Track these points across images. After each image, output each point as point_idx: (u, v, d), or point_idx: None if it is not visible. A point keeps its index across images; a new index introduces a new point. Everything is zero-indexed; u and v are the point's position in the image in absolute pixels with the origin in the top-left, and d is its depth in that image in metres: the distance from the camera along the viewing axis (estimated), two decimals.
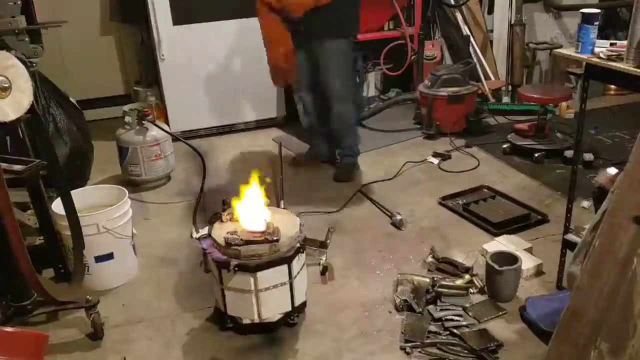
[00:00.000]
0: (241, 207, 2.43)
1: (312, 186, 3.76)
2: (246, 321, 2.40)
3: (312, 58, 3.63)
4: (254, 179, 2.46)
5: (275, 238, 2.29)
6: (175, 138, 3.87)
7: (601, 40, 2.30)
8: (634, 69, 2.07)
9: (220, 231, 2.39)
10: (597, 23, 2.27)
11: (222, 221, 2.47)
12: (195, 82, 4.56)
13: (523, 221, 3.07)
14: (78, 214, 2.58)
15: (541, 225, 3.13)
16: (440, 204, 3.45)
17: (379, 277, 2.80)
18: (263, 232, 2.32)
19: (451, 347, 2.30)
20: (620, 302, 1.68)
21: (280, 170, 3.11)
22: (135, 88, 5.08)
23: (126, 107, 3.84)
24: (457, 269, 2.75)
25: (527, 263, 2.72)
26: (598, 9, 2.33)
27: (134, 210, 2.93)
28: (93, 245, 2.68)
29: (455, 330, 2.37)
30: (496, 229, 3.09)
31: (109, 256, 2.75)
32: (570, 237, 2.52)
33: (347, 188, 3.68)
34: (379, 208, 3.42)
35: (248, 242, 2.30)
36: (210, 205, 3.48)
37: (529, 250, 2.88)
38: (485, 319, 2.45)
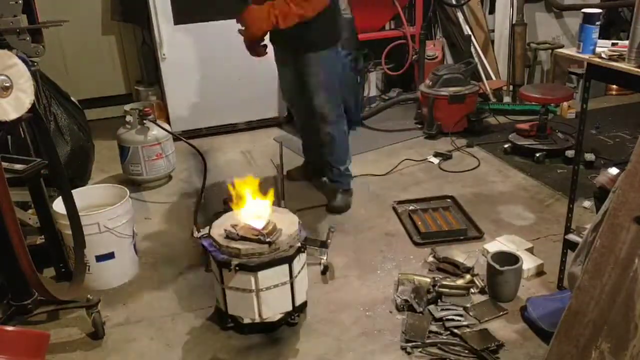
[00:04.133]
0: (246, 201, 2.44)
1: (313, 186, 3.76)
2: (247, 321, 2.40)
3: (296, 73, 3.34)
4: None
5: (268, 240, 2.29)
6: (176, 137, 3.88)
7: (603, 40, 2.30)
8: (636, 69, 2.07)
9: (224, 224, 2.40)
10: (598, 23, 2.26)
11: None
12: (196, 82, 4.57)
13: (456, 235, 3.06)
14: (79, 213, 2.58)
15: (475, 241, 3.03)
16: (392, 207, 3.42)
17: (379, 276, 2.80)
18: (260, 231, 2.32)
19: (452, 347, 2.30)
20: (621, 303, 1.68)
21: (281, 170, 3.11)
22: (136, 87, 5.09)
23: (127, 107, 3.84)
24: (457, 269, 2.75)
25: (528, 263, 2.72)
26: (600, 8, 2.33)
27: (135, 210, 2.93)
28: (94, 244, 2.68)
29: (456, 330, 2.37)
30: (422, 238, 3.06)
31: (110, 255, 2.75)
32: (571, 237, 2.51)
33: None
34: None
35: (244, 238, 2.31)
36: (211, 204, 3.48)
37: (530, 250, 2.88)
38: (486, 319, 2.45)
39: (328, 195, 3.51)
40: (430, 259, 2.85)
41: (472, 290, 2.61)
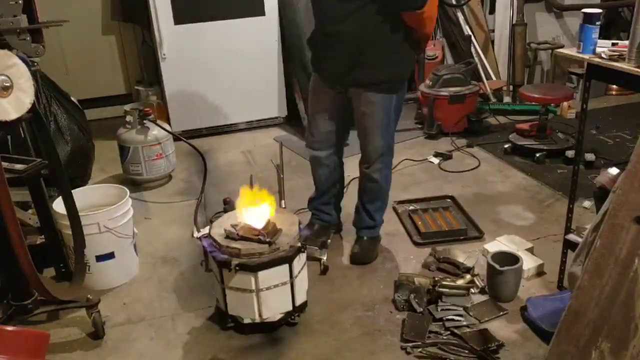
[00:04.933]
0: (246, 202, 2.44)
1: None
2: (247, 321, 2.40)
3: (343, 111, 2.75)
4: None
5: (268, 240, 2.29)
6: (176, 137, 3.88)
7: (603, 40, 2.30)
8: (636, 69, 2.07)
9: (224, 224, 2.40)
10: (598, 23, 2.26)
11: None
12: (196, 82, 4.57)
13: (456, 235, 3.06)
14: (79, 213, 2.58)
15: (475, 241, 3.03)
16: (392, 207, 3.40)
17: (379, 276, 2.80)
18: (260, 231, 2.32)
19: (452, 347, 2.29)
20: (622, 303, 1.68)
21: (281, 170, 3.11)
22: (136, 87, 5.09)
23: (127, 107, 3.84)
24: (458, 269, 2.75)
25: (528, 263, 2.72)
26: (600, 8, 2.33)
27: (135, 210, 2.93)
28: (94, 244, 2.67)
29: (456, 330, 2.36)
30: (422, 238, 3.06)
31: (110, 255, 2.74)
32: (572, 237, 2.51)
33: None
34: None
35: (244, 238, 2.31)
36: (211, 204, 3.49)
37: (530, 251, 2.88)
38: (486, 319, 2.45)
39: (356, 243, 2.97)
40: (431, 259, 2.85)
41: (472, 290, 2.61)
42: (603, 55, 2.22)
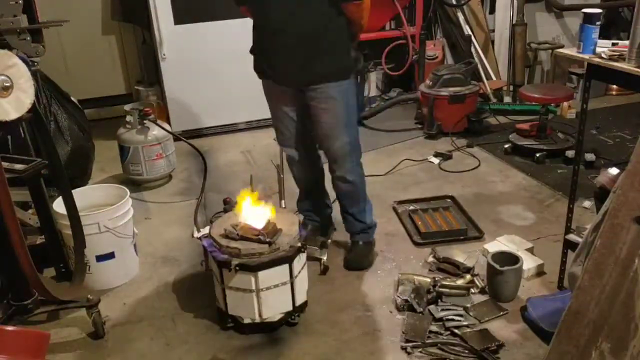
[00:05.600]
0: (246, 202, 2.45)
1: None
2: (247, 321, 2.40)
3: (305, 110, 2.70)
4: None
5: (268, 240, 2.29)
6: (176, 137, 3.88)
7: (603, 40, 2.29)
8: (636, 69, 2.07)
9: (224, 224, 2.40)
10: (598, 23, 2.26)
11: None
12: (196, 82, 4.57)
13: (456, 235, 3.06)
14: (79, 213, 2.58)
15: (475, 241, 3.03)
16: (392, 207, 3.41)
17: (379, 276, 2.80)
18: (260, 231, 2.32)
19: (452, 347, 2.30)
20: (622, 303, 1.68)
21: (281, 170, 3.11)
22: (136, 87, 5.09)
23: (127, 107, 3.84)
24: (458, 269, 2.75)
25: (528, 263, 2.72)
26: (600, 8, 2.33)
27: (135, 210, 2.93)
28: (94, 244, 2.68)
29: (456, 330, 2.36)
30: (422, 238, 3.05)
31: (110, 255, 2.75)
32: (572, 237, 2.51)
33: None
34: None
35: (244, 238, 2.31)
36: (212, 204, 3.49)
37: (530, 251, 2.88)
38: (486, 319, 2.45)
39: (351, 249, 2.94)
40: (431, 259, 2.85)
41: (472, 290, 2.61)
42: (603, 55, 2.21)
